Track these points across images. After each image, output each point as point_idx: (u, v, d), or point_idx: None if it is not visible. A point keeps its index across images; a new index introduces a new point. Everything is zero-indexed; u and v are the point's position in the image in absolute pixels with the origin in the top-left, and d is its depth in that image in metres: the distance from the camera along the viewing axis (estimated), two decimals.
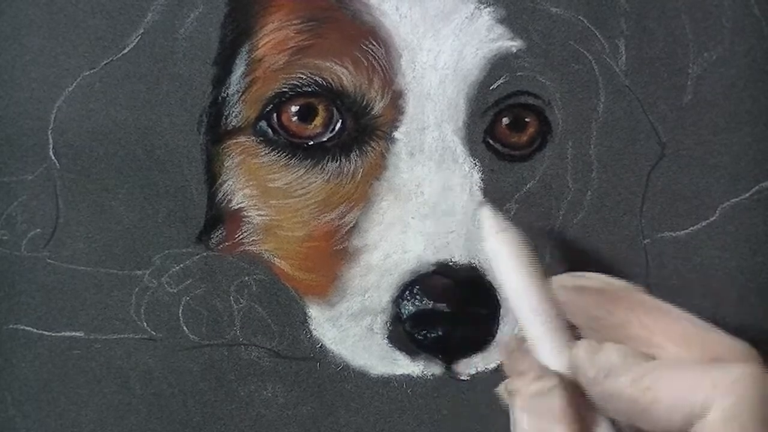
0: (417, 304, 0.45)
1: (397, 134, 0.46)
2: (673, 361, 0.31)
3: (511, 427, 0.31)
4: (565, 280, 0.34)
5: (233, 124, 0.46)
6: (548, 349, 0.32)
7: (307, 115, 0.46)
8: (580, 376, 0.31)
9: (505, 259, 0.33)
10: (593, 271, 0.36)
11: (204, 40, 0.46)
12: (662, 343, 0.31)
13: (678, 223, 0.49)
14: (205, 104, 0.46)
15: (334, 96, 0.46)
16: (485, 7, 0.47)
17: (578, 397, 0.31)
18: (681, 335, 0.31)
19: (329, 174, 0.46)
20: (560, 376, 0.31)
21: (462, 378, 0.47)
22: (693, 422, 0.29)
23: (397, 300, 0.45)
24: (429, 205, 0.46)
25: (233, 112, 0.46)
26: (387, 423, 0.47)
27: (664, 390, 0.29)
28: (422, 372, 0.47)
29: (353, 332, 0.46)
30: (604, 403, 0.30)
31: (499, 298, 0.46)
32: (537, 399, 0.30)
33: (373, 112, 0.46)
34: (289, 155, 0.46)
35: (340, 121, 0.46)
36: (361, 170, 0.46)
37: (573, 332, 0.33)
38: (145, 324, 0.46)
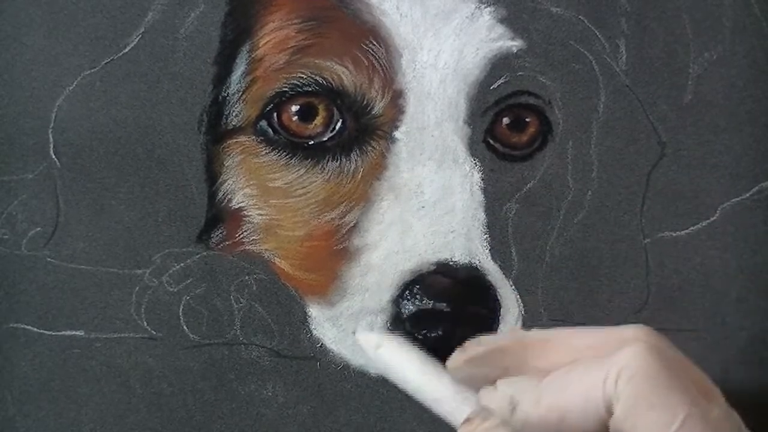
0: (417, 303, 0.45)
1: (397, 134, 0.46)
2: (562, 371, 0.31)
3: None
4: (454, 359, 0.35)
5: (234, 123, 0.46)
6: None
7: (307, 114, 0.46)
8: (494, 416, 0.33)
9: (396, 366, 0.36)
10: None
11: (204, 40, 0.46)
12: (559, 362, 0.32)
13: (678, 223, 0.49)
14: (206, 103, 0.46)
15: (335, 95, 0.46)
16: (486, 7, 0.47)
17: None
18: (572, 347, 0.32)
19: (329, 173, 0.46)
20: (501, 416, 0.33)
21: None
22: (606, 422, 0.29)
23: (398, 299, 0.45)
24: (429, 205, 0.46)
25: (234, 111, 0.46)
26: (387, 422, 0.47)
27: (564, 401, 0.30)
28: None
29: (353, 332, 0.46)
30: (524, 430, 0.31)
31: (499, 297, 0.46)
32: None
33: (373, 112, 0.46)
34: (290, 155, 0.46)
35: (341, 120, 0.46)
36: (362, 170, 0.46)
37: None
38: (145, 323, 0.46)
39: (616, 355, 0.30)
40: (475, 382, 0.35)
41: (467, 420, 0.33)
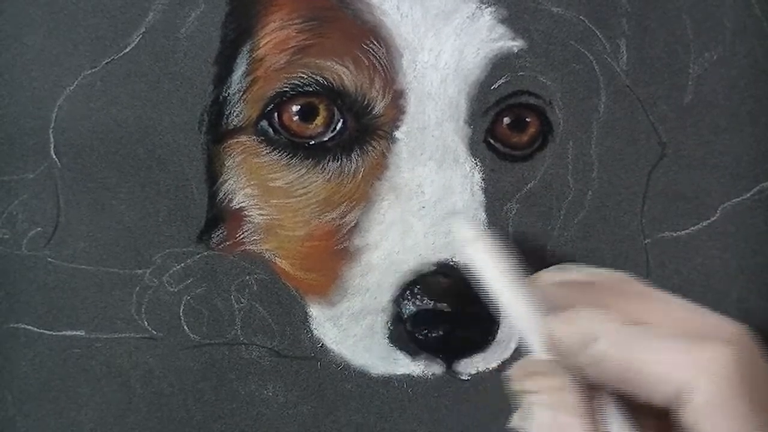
0: (418, 303, 0.45)
1: (398, 134, 0.46)
2: (656, 330, 0.30)
3: (521, 423, 0.31)
4: (551, 276, 0.33)
5: (234, 123, 0.46)
6: (539, 342, 0.32)
7: (308, 114, 0.46)
8: (561, 347, 0.31)
9: (486, 265, 0.33)
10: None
11: (205, 40, 0.46)
12: (650, 320, 0.30)
13: (678, 223, 0.49)
14: (206, 103, 0.46)
15: (335, 95, 0.46)
16: (486, 7, 0.47)
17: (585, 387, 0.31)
18: (670, 316, 0.31)
19: (330, 173, 0.46)
20: (569, 372, 0.31)
21: (462, 378, 0.48)
22: (678, 403, 0.28)
23: (398, 299, 0.45)
24: (430, 205, 0.46)
25: (234, 111, 0.46)
26: (387, 422, 0.47)
27: (647, 360, 0.29)
28: (423, 372, 0.47)
29: (354, 332, 0.46)
30: (589, 370, 0.30)
31: None
32: (553, 396, 0.30)
33: (374, 112, 0.46)
34: (290, 155, 0.46)
35: (341, 120, 0.46)
36: (362, 170, 0.46)
37: None
38: (145, 323, 0.46)
39: (711, 345, 0.29)
40: (558, 303, 0.32)
41: (530, 372, 0.31)
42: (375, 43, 0.46)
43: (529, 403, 0.31)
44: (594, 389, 0.30)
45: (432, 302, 0.45)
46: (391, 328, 0.46)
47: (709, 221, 0.49)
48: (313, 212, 0.46)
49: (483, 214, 0.47)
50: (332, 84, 0.45)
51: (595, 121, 0.48)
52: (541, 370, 0.31)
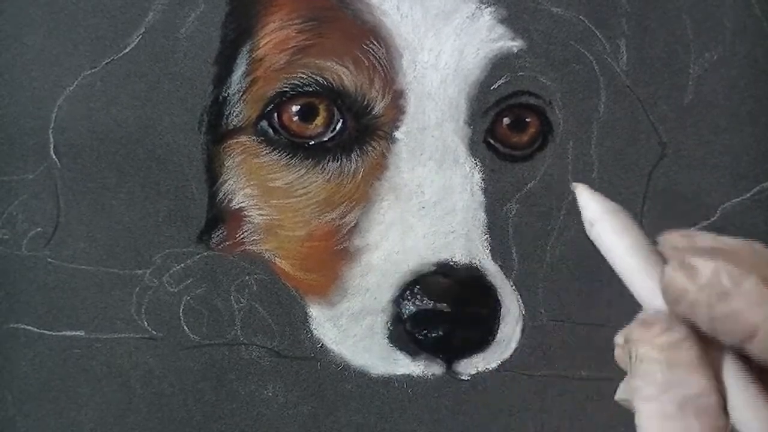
0: (418, 303, 0.45)
1: (398, 134, 0.46)
2: None
3: (631, 378, 0.29)
4: (676, 240, 0.31)
5: (234, 123, 0.46)
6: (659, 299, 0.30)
7: (308, 114, 0.46)
8: (683, 300, 0.28)
9: (607, 248, 0.32)
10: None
11: (205, 40, 0.46)
12: None
13: (678, 223, 0.49)
14: (206, 104, 0.46)
15: (335, 95, 0.46)
16: (486, 7, 0.47)
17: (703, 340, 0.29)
18: None
19: (330, 174, 0.46)
20: (687, 326, 0.28)
21: (462, 378, 0.47)
22: None
23: (398, 300, 0.45)
24: (430, 205, 0.46)
25: (234, 111, 0.46)
26: (387, 423, 0.47)
27: None
28: (423, 372, 0.47)
29: (354, 332, 0.46)
30: (717, 325, 0.28)
31: (499, 297, 0.46)
32: (669, 350, 0.28)
33: (374, 112, 0.46)
34: (290, 155, 0.46)
35: (341, 120, 0.46)
36: (362, 170, 0.46)
37: None
38: (145, 323, 0.46)
39: None
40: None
41: (645, 323, 0.29)
42: (375, 43, 0.46)
43: (640, 359, 0.28)
44: (711, 345, 0.28)
45: (432, 302, 0.44)
46: (391, 328, 0.46)
47: (708, 221, 0.49)
48: (313, 212, 0.46)
49: (483, 214, 0.47)
50: (332, 84, 0.45)
51: (595, 121, 0.48)
52: (655, 324, 0.29)
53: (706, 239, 0.30)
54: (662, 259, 0.30)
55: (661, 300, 0.29)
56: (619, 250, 0.31)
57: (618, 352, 0.30)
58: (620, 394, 0.30)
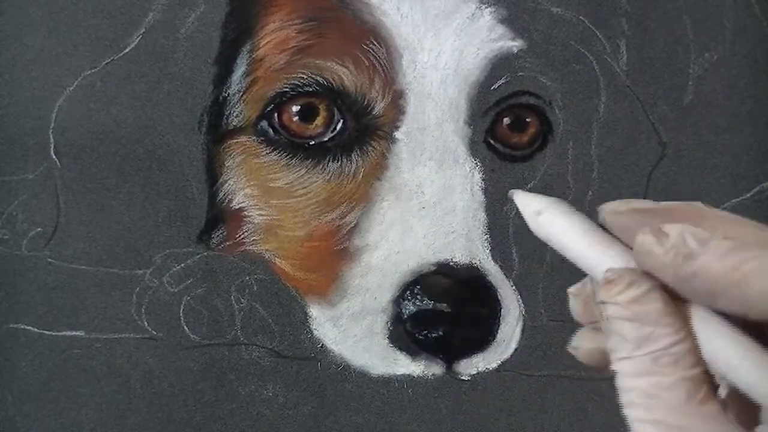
0: (418, 304, 0.45)
1: (398, 134, 0.46)
2: (757, 242, 0.27)
3: (606, 340, 0.29)
4: (616, 205, 0.31)
5: (234, 123, 0.46)
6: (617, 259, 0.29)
7: (308, 114, 0.46)
8: (652, 262, 0.28)
9: (557, 235, 0.32)
10: None
11: (205, 40, 0.46)
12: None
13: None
14: (206, 104, 0.46)
15: (335, 96, 0.46)
16: (486, 7, 0.47)
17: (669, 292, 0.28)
18: (759, 235, 0.28)
19: (330, 174, 0.46)
20: (652, 277, 0.28)
21: (462, 378, 0.47)
22: None
23: (398, 300, 0.45)
24: (430, 205, 0.46)
25: (234, 111, 0.46)
26: (387, 423, 0.47)
27: (753, 270, 0.26)
28: (423, 372, 0.47)
29: (354, 332, 0.46)
30: (685, 285, 0.28)
31: (499, 298, 0.46)
32: (635, 305, 0.28)
33: (374, 112, 0.46)
34: (290, 155, 0.46)
35: (341, 120, 0.46)
36: (362, 170, 0.46)
37: None
38: (145, 323, 0.46)
39: None
40: (624, 235, 0.30)
41: (608, 281, 0.28)
42: (375, 43, 0.46)
43: (609, 320, 0.28)
44: (679, 301, 0.28)
45: (432, 302, 0.44)
46: (391, 328, 0.46)
47: None
48: (313, 213, 0.46)
49: (483, 214, 0.47)
50: (332, 84, 0.45)
51: (595, 121, 0.48)
52: (619, 280, 0.29)
53: (645, 203, 0.30)
54: (611, 235, 0.30)
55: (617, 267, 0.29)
56: (570, 231, 0.31)
57: (571, 303, 0.30)
58: (574, 342, 0.30)
